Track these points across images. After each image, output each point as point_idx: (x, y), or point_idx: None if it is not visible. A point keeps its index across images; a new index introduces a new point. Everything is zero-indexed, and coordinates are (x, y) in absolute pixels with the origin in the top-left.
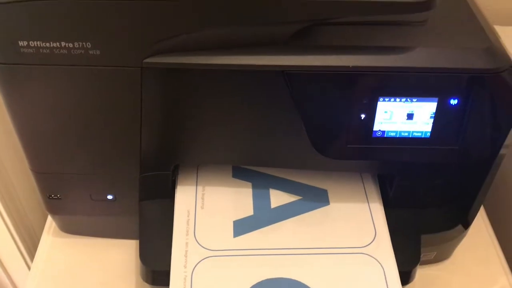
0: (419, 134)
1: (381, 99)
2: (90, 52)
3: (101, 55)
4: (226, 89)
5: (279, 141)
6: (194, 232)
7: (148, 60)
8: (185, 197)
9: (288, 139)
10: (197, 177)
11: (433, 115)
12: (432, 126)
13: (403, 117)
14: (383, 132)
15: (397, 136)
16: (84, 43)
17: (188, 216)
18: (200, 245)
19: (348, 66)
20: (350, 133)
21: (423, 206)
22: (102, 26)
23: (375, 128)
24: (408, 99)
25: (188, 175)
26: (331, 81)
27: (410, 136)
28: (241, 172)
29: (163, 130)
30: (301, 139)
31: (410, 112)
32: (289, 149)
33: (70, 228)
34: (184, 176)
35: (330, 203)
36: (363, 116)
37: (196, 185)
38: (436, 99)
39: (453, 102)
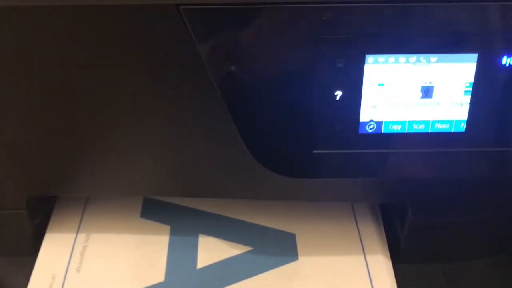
0: (446, 127)
1: (369, 58)
2: None
3: None
4: (84, 42)
5: (206, 148)
6: None
7: None
8: (53, 252)
9: (218, 144)
10: (81, 217)
11: (471, 88)
12: (470, 109)
13: (415, 93)
14: (379, 124)
15: (405, 131)
16: None
17: (51, 286)
18: None
19: None
20: (316, 129)
21: (458, 258)
22: None
23: (363, 117)
24: (422, 58)
25: (67, 215)
26: (271, 23)
27: (430, 131)
28: (154, 208)
29: None
30: (234, 142)
31: (427, 85)
32: (222, 163)
33: None
34: (61, 216)
35: (300, 258)
36: (338, 94)
37: (77, 232)
38: (475, 55)
39: (508, 60)
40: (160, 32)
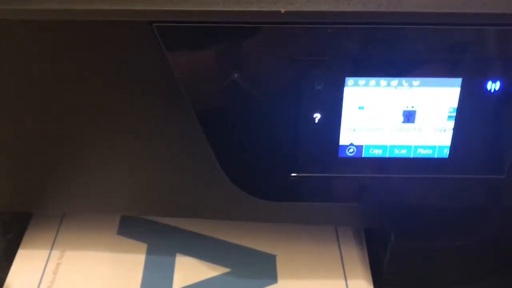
0: (428, 152)
1: (350, 81)
2: None
3: None
4: (51, 54)
5: (181, 169)
6: None
7: None
8: (24, 269)
9: (194, 166)
10: (56, 233)
11: (454, 113)
12: (453, 135)
13: (397, 118)
14: (359, 148)
15: (386, 156)
16: None
17: None
18: None
19: (280, 11)
20: (294, 152)
21: (440, 284)
22: None
23: (343, 141)
24: (404, 82)
25: (42, 231)
26: (247, 44)
27: (412, 156)
28: (132, 225)
29: None
30: (209, 164)
31: (409, 109)
32: (198, 185)
33: None
34: (36, 232)
35: (279, 281)
36: (316, 117)
37: (51, 248)
38: (459, 80)
39: (492, 86)
40: (132, 50)
